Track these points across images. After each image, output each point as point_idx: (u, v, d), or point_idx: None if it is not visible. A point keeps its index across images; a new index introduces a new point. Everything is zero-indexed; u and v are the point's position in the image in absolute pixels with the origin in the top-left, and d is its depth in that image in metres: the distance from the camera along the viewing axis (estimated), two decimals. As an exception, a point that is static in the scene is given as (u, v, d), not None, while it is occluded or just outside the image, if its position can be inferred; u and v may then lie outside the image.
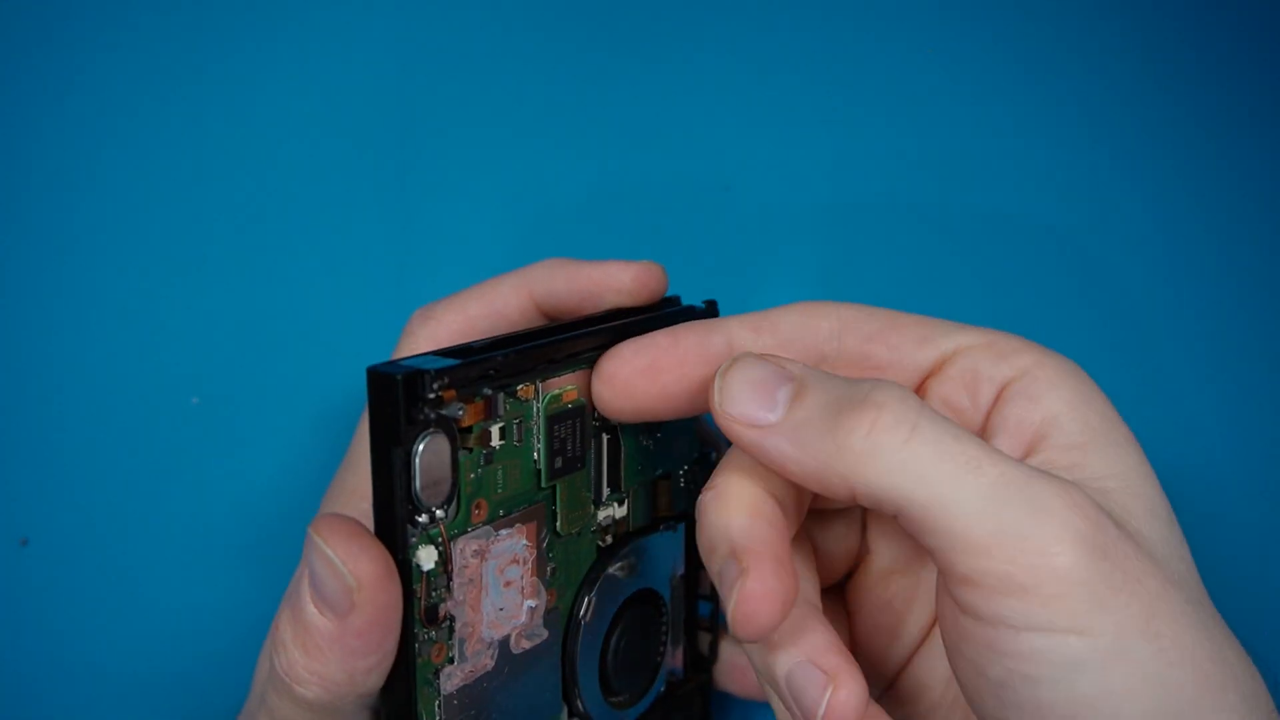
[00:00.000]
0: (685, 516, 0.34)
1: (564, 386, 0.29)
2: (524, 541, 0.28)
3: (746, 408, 0.25)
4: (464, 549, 0.26)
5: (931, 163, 0.43)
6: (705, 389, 0.28)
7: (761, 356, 0.26)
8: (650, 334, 0.28)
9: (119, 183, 0.40)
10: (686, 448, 0.33)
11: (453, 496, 0.26)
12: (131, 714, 0.39)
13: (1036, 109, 0.42)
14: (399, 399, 0.24)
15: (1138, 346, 0.42)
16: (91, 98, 0.40)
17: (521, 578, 0.28)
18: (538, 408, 0.28)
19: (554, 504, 0.29)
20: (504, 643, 0.28)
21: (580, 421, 0.29)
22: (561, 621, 0.30)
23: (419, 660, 0.26)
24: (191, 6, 0.41)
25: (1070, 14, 0.42)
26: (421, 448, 0.25)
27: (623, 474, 0.31)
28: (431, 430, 0.25)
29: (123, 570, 0.40)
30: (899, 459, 0.23)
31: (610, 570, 0.31)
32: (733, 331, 0.29)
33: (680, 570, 0.34)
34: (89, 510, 0.39)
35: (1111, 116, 0.42)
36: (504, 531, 0.27)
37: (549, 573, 0.29)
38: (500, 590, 0.28)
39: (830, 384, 0.25)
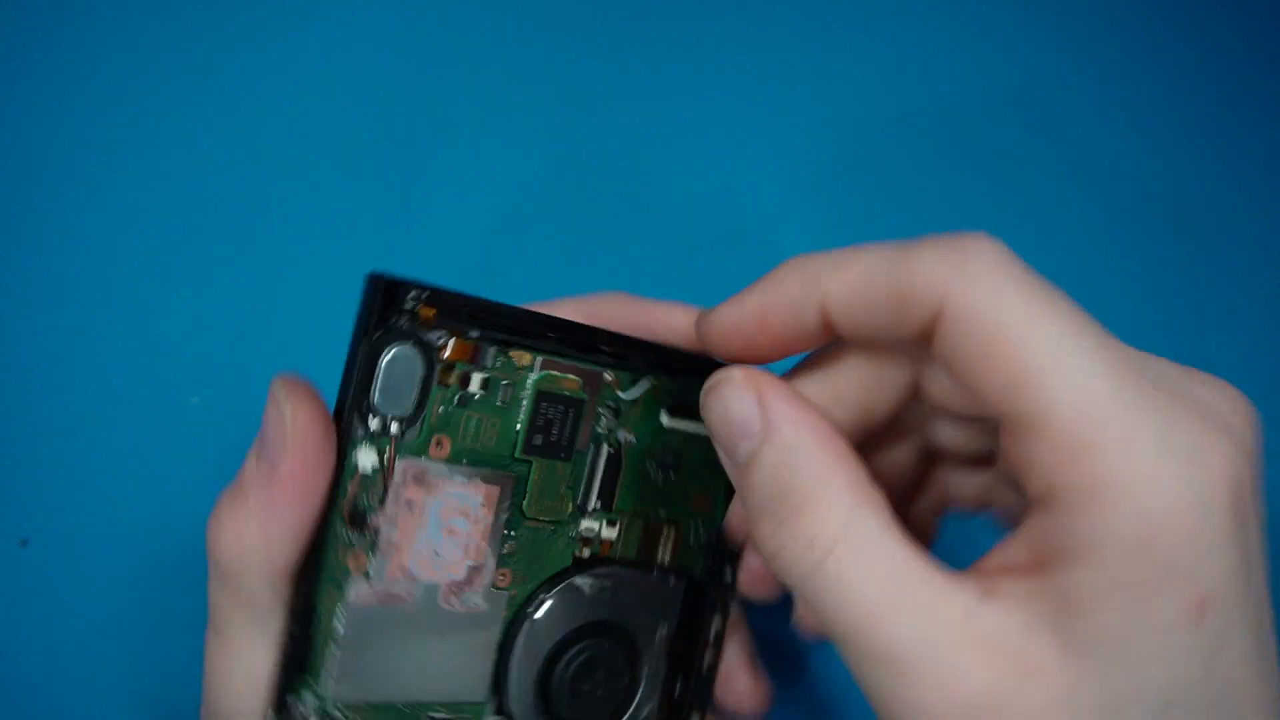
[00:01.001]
0: (690, 577, 0.32)
1: (566, 374, 0.28)
2: (480, 500, 0.28)
3: (720, 435, 0.26)
4: (406, 470, 0.26)
5: (932, 161, 0.43)
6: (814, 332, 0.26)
7: (744, 389, 0.25)
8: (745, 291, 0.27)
9: (119, 182, 0.41)
10: (709, 508, 0.32)
11: (416, 419, 0.26)
12: (132, 714, 0.39)
13: (1035, 107, 0.43)
14: (377, 300, 0.25)
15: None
16: (92, 97, 0.41)
17: (468, 534, 0.28)
18: (531, 378, 0.28)
19: (526, 480, 0.28)
20: (430, 589, 0.27)
21: (574, 412, 0.29)
22: (510, 609, 0.29)
23: (330, 554, 0.25)
24: (194, 8, 0.41)
25: (1070, 17, 0.42)
26: (390, 355, 0.25)
27: (617, 494, 0.30)
28: (410, 344, 0.25)
29: (123, 570, 0.40)
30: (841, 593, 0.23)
31: (578, 581, 0.30)
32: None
33: (668, 631, 0.32)
34: (89, 510, 0.39)
35: (1105, 130, 0.42)
36: (460, 478, 0.27)
37: (505, 549, 0.28)
38: (440, 534, 0.27)
39: (778, 471, 0.24)
